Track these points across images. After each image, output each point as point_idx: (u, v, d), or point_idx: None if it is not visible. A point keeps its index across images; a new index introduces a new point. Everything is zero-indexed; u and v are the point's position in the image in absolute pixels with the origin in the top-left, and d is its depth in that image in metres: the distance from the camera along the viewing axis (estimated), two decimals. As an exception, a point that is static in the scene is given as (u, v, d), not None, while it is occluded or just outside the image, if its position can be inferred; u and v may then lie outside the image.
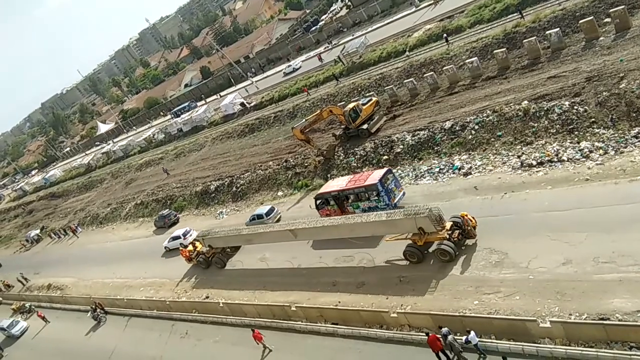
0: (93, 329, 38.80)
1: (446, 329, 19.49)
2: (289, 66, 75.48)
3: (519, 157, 29.00)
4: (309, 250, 31.87)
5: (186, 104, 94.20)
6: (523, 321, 18.73)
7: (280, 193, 43.38)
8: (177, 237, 43.52)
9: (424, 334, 19.95)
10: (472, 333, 18.89)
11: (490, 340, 19.07)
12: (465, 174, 30.67)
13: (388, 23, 63.22)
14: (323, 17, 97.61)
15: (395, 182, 30.86)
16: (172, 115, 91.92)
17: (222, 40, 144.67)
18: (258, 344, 25.37)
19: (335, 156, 40.98)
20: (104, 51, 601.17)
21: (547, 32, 34.97)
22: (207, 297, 33.91)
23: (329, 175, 40.10)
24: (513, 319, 19.13)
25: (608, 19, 32.84)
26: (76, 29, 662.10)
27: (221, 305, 31.07)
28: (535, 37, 35.69)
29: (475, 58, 38.47)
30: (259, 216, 38.10)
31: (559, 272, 20.30)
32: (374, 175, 30.44)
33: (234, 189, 48.49)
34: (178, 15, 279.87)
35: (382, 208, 29.29)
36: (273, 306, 28.15)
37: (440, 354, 19.48)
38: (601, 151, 25.80)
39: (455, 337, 19.19)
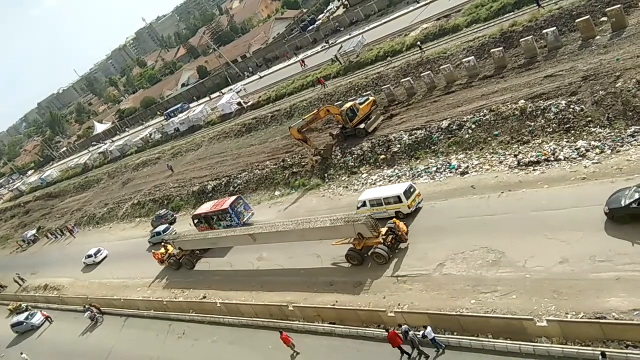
0: (90, 330, 38.74)
1: (405, 326, 20.48)
2: (230, 89, 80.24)
3: (515, 156, 29.02)
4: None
5: (179, 105, 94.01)
6: (520, 320, 18.76)
7: (277, 193, 43.34)
8: (90, 256, 51.42)
9: (387, 331, 20.76)
10: (429, 328, 19.86)
11: (487, 340, 19.11)
12: (462, 173, 30.70)
13: (385, 22, 63.15)
14: (320, 16, 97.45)
15: (244, 205, 40.01)
16: (165, 117, 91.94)
17: (219, 39, 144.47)
18: (289, 346, 24.11)
19: (333, 155, 40.95)
20: (101, 50, 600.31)
21: (544, 31, 34.98)
22: (204, 297, 33.86)
23: (326, 175, 40.12)
24: (510, 318, 19.17)
25: (604, 18, 32.88)
26: (72, 29, 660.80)
27: (218, 305, 31.03)
28: (531, 36, 35.69)
29: (472, 57, 38.46)
30: (158, 233, 45.82)
31: (555, 271, 20.33)
32: (227, 202, 39.65)
33: (231, 188, 48.41)
34: (175, 15, 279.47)
35: (234, 225, 38.08)
36: (270, 306, 28.12)
37: (400, 350, 20.41)
38: (597, 150, 25.85)
39: (415, 333, 20.16)
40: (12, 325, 46.32)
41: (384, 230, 26.94)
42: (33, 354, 40.16)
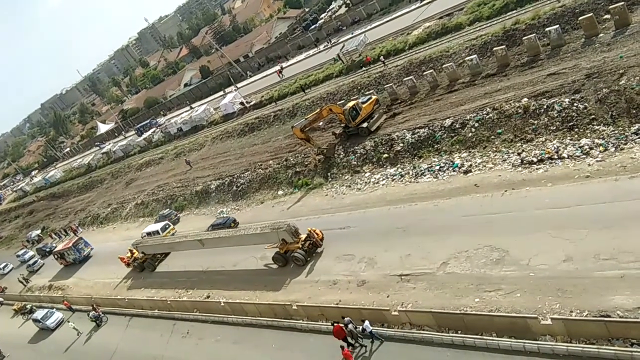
0: (94, 329, 38.89)
1: (348, 318, 22.24)
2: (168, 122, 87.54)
3: (519, 154, 28.97)
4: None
5: (147, 121, 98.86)
6: (524, 318, 18.71)
7: (280, 192, 43.40)
8: (1, 268, 69.72)
9: (333, 325, 22.45)
10: (367, 322, 21.86)
11: (491, 338, 19.10)
12: (466, 172, 30.67)
13: (387, 21, 63.08)
14: (322, 15, 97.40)
15: (84, 243, 55.75)
16: (136, 132, 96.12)
17: (221, 39, 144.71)
18: None
19: (336, 155, 40.97)
20: (104, 51, 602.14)
21: (547, 29, 34.89)
22: (208, 297, 33.95)
23: (328, 174, 40.14)
24: (514, 317, 19.13)
25: (607, 16, 32.76)
26: (75, 29, 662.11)
27: (222, 304, 31.11)
28: (534, 34, 35.61)
29: (475, 56, 38.39)
30: (23, 260, 66.94)
31: (559, 269, 20.29)
32: (71, 242, 55.68)
33: (234, 188, 48.50)
34: (177, 15, 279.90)
35: (78, 257, 54.65)
36: (274, 305, 28.16)
37: (344, 341, 22.05)
38: (601, 148, 25.78)
39: (355, 326, 21.96)
40: (34, 321, 45.80)
41: (303, 236, 30.85)
42: (38, 354, 40.43)
